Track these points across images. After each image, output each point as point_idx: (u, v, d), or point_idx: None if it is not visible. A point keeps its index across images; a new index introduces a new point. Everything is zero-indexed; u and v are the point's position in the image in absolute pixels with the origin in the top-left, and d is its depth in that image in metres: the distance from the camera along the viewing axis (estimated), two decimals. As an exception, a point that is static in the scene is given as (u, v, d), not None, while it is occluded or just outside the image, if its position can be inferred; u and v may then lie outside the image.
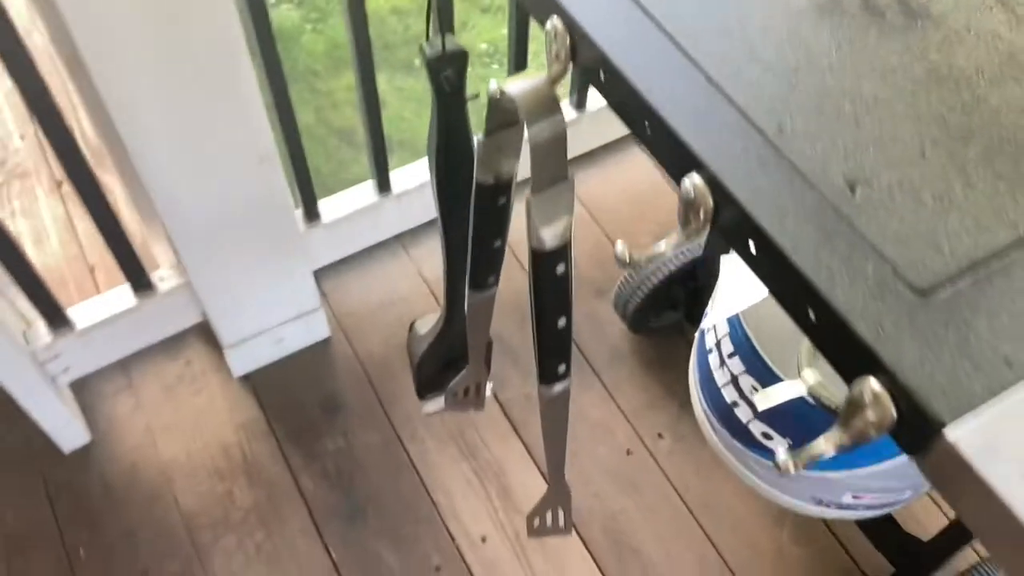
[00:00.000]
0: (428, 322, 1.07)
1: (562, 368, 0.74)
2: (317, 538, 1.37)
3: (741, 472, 1.20)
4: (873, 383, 0.43)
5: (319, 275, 1.55)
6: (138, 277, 1.35)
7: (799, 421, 1.05)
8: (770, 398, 0.92)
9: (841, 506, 1.15)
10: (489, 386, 1.14)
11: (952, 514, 1.23)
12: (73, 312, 1.35)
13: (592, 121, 1.64)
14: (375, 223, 1.53)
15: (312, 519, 1.39)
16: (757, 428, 1.11)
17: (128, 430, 1.46)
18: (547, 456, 0.87)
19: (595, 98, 1.63)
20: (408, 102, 2.03)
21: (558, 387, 0.75)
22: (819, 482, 1.12)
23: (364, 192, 1.49)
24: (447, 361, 1.01)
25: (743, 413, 1.12)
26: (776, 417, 1.08)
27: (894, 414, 0.43)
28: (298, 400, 1.49)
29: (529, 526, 0.96)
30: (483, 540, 1.37)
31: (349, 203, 1.48)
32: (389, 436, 1.46)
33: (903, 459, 1.03)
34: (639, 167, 1.75)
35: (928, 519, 1.33)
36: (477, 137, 0.65)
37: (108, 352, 1.45)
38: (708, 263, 1.39)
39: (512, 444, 1.45)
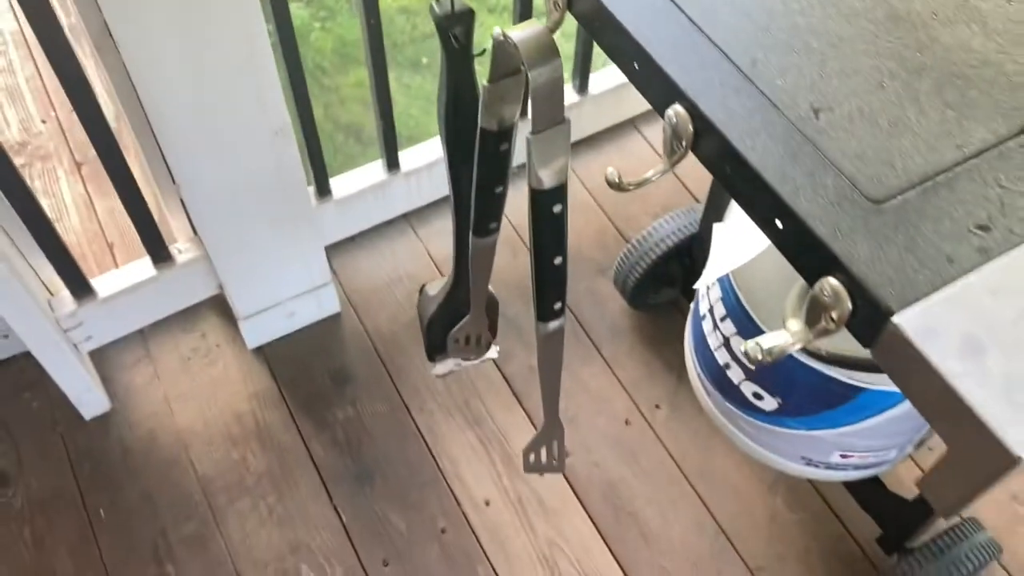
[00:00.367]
0: (438, 284, 1.12)
1: (558, 305, 0.79)
2: (327, 501, 1.43)
3: (734, 434, 1.26)
4: (832, 280, 0.49)
5: (329, 252, 1.61)
6: (158, 249, 1.41)
7: (787, 379, 1.11)
8: (757, 351, 0.97)
9: (830, 466, 1.21)
10: (495, 349, 1.19)
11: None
12: (96, 282, 1.41)
13: (594, 105, 1.69)
14: (384, 201, 1.59)
15: (323, 483, 1.44)
16: (748, 388, 1.17)
17: (146, 399, 1.52)
18: (543, 392, 0.92)
19: (596, 83, 1.69)
20: (416, 99, 2.08)
21: (553, 324, 0.81)
22: (808, 441, 1.17)
23: (374, 170, 1.55)
24: (456, 321, 1.06)
25: (735, 374, 1.18)
26: (765, 376, 1.14)
27: (850, 306, 0.48)
28: (309, 371, 1.55)
29: (525, 461, 1.01)
30: (487, 504, 1.42)
31: (359, 180, 1.54)
32: (397, 406, 1.51)
33: (887, 416, 1.09)
34: (638, 152, 1.80)
35: (911, 481, 1.38)
36: (482, 84, 0.71)
37: (128, 322, 1.51)
38: (703, 241, 1.44)
39: (516, 413, 1.51)
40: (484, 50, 0.76)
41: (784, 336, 0.51)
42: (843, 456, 1.18)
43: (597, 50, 1.67)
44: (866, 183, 0.50)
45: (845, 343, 0.97)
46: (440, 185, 1.63)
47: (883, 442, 1.15)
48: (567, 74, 1.69)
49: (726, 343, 1.16)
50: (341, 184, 1.53)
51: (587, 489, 1.44)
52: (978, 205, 0.49)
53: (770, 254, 1.04)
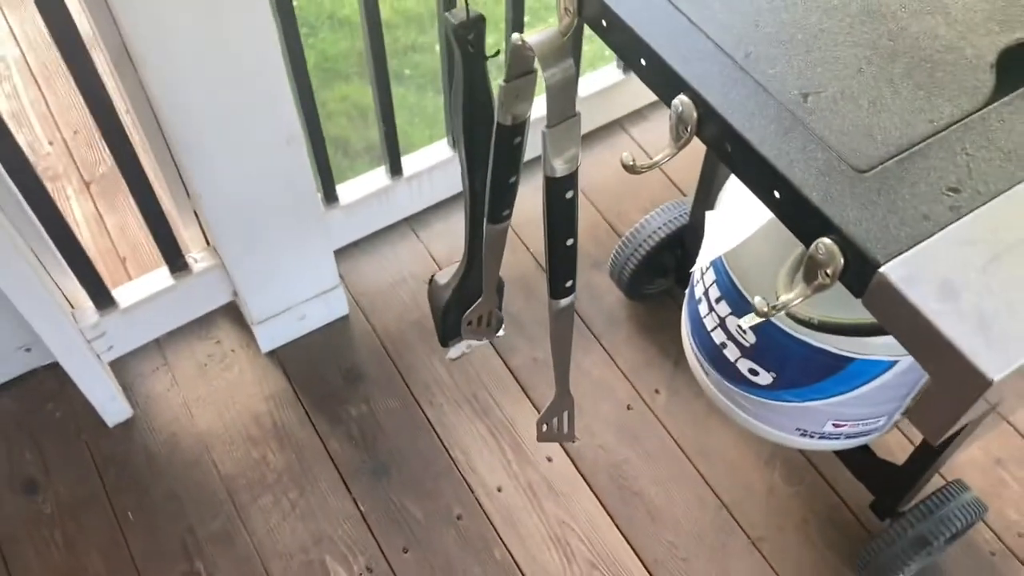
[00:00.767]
0: (448, 272, 1.19)
1: (569, 283, 0.87)
2: (346, 494, 1.49)
3: (732, 411, 1.33)
4: (826, 240, 0.56)
5: (336, 256, 1.67)
6: (175, 258, 1.47)
7: (780, 353, 1.18)
8: (755, 319, 1.05)
9: (823, 436, 1.28)
10: (503, 326, 1.27)
11: (918, 440, 1.36)
12: (117, 293, 1.46)
13: (581, 108, 1.76)
14: (387, 205, 1.66)
15: (341, 477, 1.50)
16: (744, 365, 1.24)
17: (166, 405, 1.58)
18: (554, 365, 0.99)
19: (582, 86, 1.76)
20: (400, 111, 2.15)
21: (564, 301, 0.89)
22: (802, 412, 1.24)
23: (377, 176, 1.62)
24: (468, 305, 1.13)
25: (731, 353, 1.25)
26: (760, 352, 1.21)
27: (842, 262, 0.56)
28: (322, 372, 1.61)
29: (539, 431, 1.08)
30: (499, 490, 1.49)
31: (364, 186, 1.61)
32: (408, 401, 1.58)
33: (875, 384, 1.16)
34: (627, 150, 1.88)
35: (899, 449, 1.46)
36: (498, 83, 0.78)
37: (147, 331, 1.57)
38: (693, 230, 1.52)
39: (523, 404, 1.58)
40: (497, 52, 0.83)
41: (787, 294, 0.59)
42: (836, 425, 1.25)
43: (583, 57, 1.75)
44: (851, 155, 0.58)
45: (834, 311, 1.05)
46: (440, 188, 1.70)
47: (873, 410, 1.23)
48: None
49: (722, 323, 1.24)
50: (347, 190, 1.60)
51: (593, 471, 1.51)
52: (948, 171, 0.57)
53: (759, 238, 1.12)
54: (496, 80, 0.80)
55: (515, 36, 0.72)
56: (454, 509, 1.48)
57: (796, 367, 1.19)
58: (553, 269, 0.86)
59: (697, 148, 1.31)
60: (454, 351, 1.23)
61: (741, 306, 1.18)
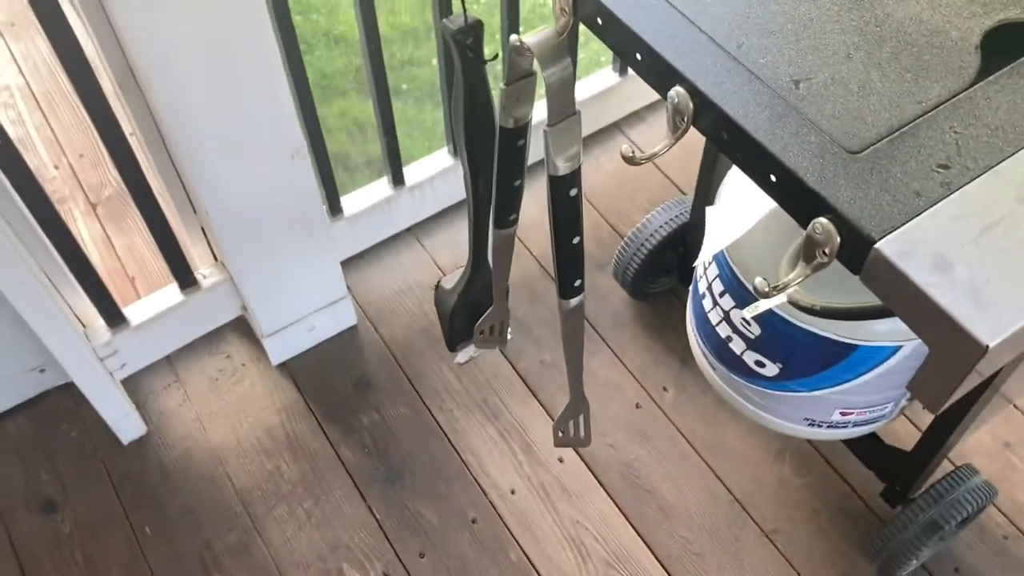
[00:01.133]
0: (453, 278, 1.21)
1: (577, 283, 0.88)
2: (361, 501, 1.50)
3: (740, 404, 1.34)
4: (822, 220, 0.58)
5: (343, 267, 1.69)
6: (184, 275, 1.49)
7: (785, 344, 1.20)
8: (758, 308, 1.06)
9: (831, 425, 1.30)
10: (508, 330, 1.28)
11: (925, 426, 1.37)
12: (128, 311, 1.49)
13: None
14: (391, 215, 1.68)
15: (355, 485, 1.52)
16: (750, 358, 1.26)
17: (179, 420, 1.60)
18: (568, 368, 1.01)
19: (581, 89, 1.79)
20: (399, 124, 2.17)
21: (574, 301, 0.90)
22: (810, 401, 1.26)
23: (380, 186, 1.64)
24: (475, 309, 1.15)
25: (737, 346, 1.27)
26: (765, 344, 1.23)
27: (839, 240, 0.57)
28: (332, 382, 1.63)
29: (555, 437, 1.09)
30: (512, 492, 1.51)
31: (368, 197, 1.63)
32: (418, 407, 1.60)
33: (880, 371, 1.18)
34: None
35: (907, 436, 1.47)
36: (500, 87, 0.80)
37: (158, 347, 1.59)
38: (694, 227, 1.54)
39: (532, 406, 1.59)
40: (496, 55, 0.85)
41: (781, 297, 0.61)
42: (843, 414, 1.27)
43: (579, 62, 1.77)
44: (843, 137, 0.60)
45: (835, 296, 1.06)
46: (442, 196, 1.72)
47: (879, 397, 1.24)
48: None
49: (726, 316, 1.25)
50: (351, 201, 1.62)
51: (605, 471, 1.53)
52: (938, 149, 0.59)
53: (759, 230, 1.13)
54: (496, 84, 0.82)
55: (513, 37, 0.74)
56: (468, 512, 1.49)
57: (802, 356, 1.20)
58: (561, 268, 0.88)
59: (695, 148, 1.33)
60: (461, 356, 1.25)
61: (745, 299, 1.19)
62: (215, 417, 1.60)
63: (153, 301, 1.52)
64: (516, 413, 1.59)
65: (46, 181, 1.90)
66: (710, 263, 1.26)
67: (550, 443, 1.55)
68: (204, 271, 1.54)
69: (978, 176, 0.57)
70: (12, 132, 1.94)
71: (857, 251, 0.56)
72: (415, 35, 2.37)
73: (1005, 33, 0.64)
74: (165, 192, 1.44)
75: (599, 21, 0.69)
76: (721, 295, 1.25)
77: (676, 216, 1.57)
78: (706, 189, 1.40)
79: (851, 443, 1.42)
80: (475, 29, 0.86)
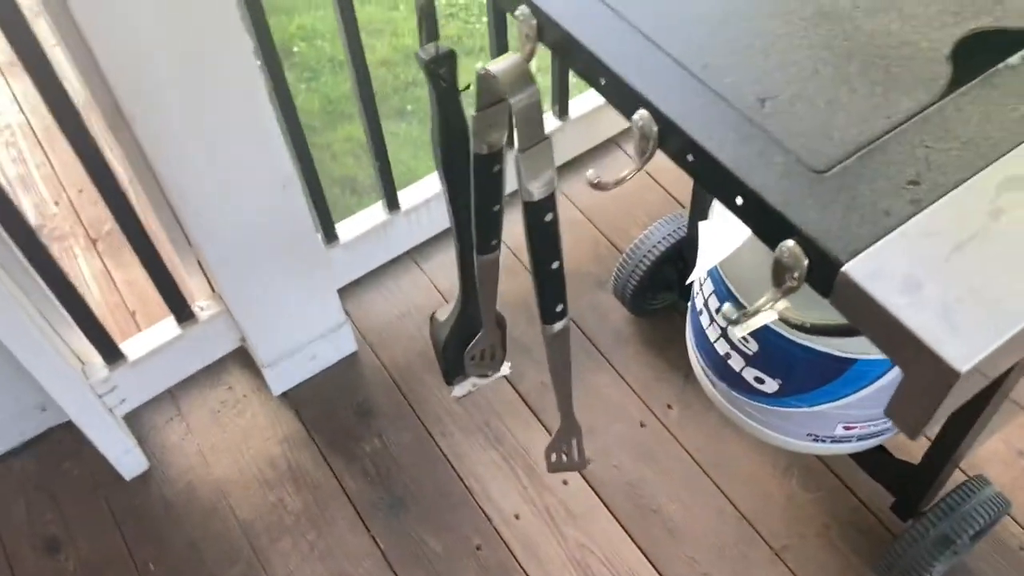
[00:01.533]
0: (447, 309, 1.20)
1: (559, 308, 0.87)
2: (364, 531, 1.49)
3: (742, 421, 1.32)
4: (789, 243, 0.56)
5: (341, 294, 1.69)
6: (180, 308, 1.49)
7: (783, 360, 1.18)
8: (748, 327, 1.04)
9: (835, 439, 1.27)
10: (506, 365, 1.27)
11: (934, 434, 1.34)
12: (125, 346, 1.48)
13: (575, 128, 1.78)
14: (388, 240, 1.67)
15: (358, 514, 1.51)
16: (750, 374, 1.24)
17: (181, 454, 1.59)
18: (556, 393, 0.99)
19: (575, 107, 1.78)
20: (404, 145, 2.18)
21: (558, 325, 0.89)
22: (811, 417, 1.24)
23: (375, 212, 1.64)
24: (469, 341, 1.14)
25: (736, 362, 1.25)
26: (764, 360, 1.21)
27: (806, 263, 0.56)
28: (334, 410, 1.62)
29: (547, 462, 1.08)
30: (517, 517, 1.49)
31: (363, 223, 1.62)
32: (420, 433, 1.58)
33: (880, 384, 1.15)
34: (622, 166, 1.88)
35: (916, 448, 1.44)
36: (470, 114, 0.79)
37: (158, 382, 1.59)
38: (692, 242, 1.52)
39: (534, 428, 1.57)
40: (468, 85, 0.84)
41: (772, 314, 0.59)
42: (846, 428, 1.24)
43: (574, 78, 1.76)
44: (809, 156, 0.58)
45: (828, 313, 1.04)
46: (439, 219, 1.72)
47: (881, 410, 1.22)
48: (548, 102, 1.79)
49: (724, 333, 1.23)
50: (346, 228, 1.62)
51: (610, 492, 1.50)
52: (908, 164, 0.57)
53: (752, 245, 1.11)
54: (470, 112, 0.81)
55: (479, 66, 0.73)
56: (473, 540, 1.47)
57: (801, 372, 1.18)
58: (541, 294, 0.87)
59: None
60: (459, 389, 1.23)
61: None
62: (217, 450, 1.59)
63: (151, 336, 1.52)
64: (519, 436, 1.57)
65: (47, 218, 1.91)
66: (705, 279, 1.25)
67: (550, 473, 1.53)
68: (201, 303, 1.53)
69: (949, 191, 0.56)
70: (13, 171, 1.96)
71: (825, 274, 0.55)
72: (418, 57, 2.38)
73: (977, 42, 0.63)
74: (159, 226, 1.44)
75: (563, 47, 0.68)
76: (717, 311, 1.23)
77: (674, 231, 1.56)
78: (701, 203, 1.38)
79: (858, 456, 1.39)
80: (447, 59, 0.85)
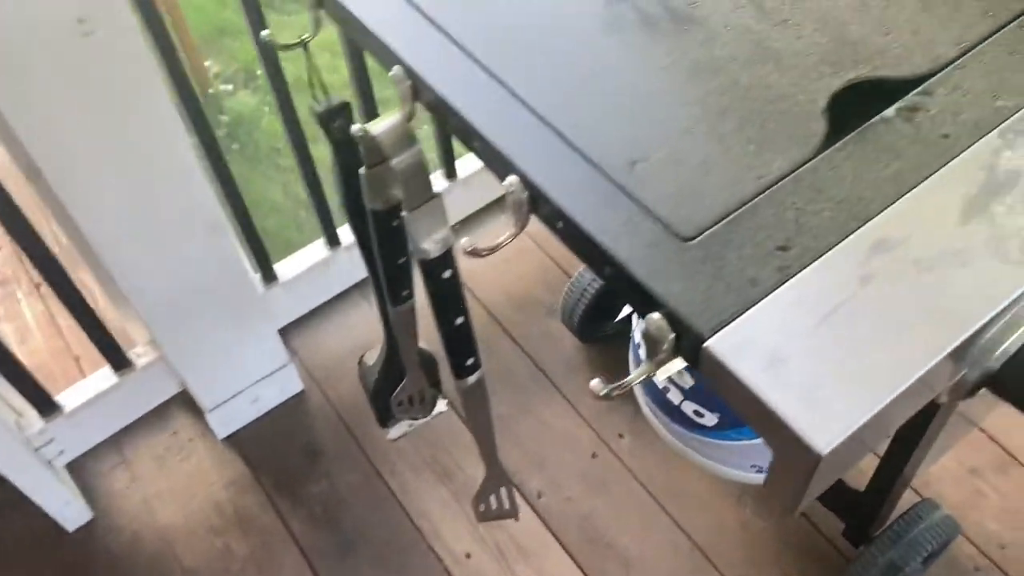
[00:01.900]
0: (375, 353, 1.17)
1: (470, 362, 0.85)
2: (313, 576, 1.46)
3: (688, 453, 1.30)
4: (655, 316, 0.54)
5: (286, 332, 1.66)
6: (116, 356, 1.46)
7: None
8: (669, 369, 1.02)
9: (780, 470, 1.25)
10: (442, 403, 1.24)
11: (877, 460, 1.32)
12: (61, 397, 1.45)
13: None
14: (330, 276, 1.65)
15: (306, 560, 1.48)
16: (689, 407, 1.22)
17: (126, 502, 1.56)
18: (478, 445, 0.97)
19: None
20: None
21: (471, 379, 0.86)
22: (753, 449, 1.22)
23: (316, 249, 1.61)
24: (399, 382, 1.12)
25: (674, 396, 1.23)
26: (700, 394, 1.19)
27: (672, 336, 0.53)
28: (281, 452, 1.59)
29: (476, 512, 1.05)
30: (468, 556, 1.46)
31: (303, 261, 1.60)
32: (369, 473, 1.56)
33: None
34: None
35: (865, 471, 1.42)
36: (361, 172, 0.77)
37: (99, 431, 1.56)
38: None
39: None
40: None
41: (632, 374, 0.57)
42: (790, 459, 1.22)
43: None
44: (678, 223, 0.56)
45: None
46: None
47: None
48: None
49: (660, 368, 1.21)
50: (286, 267, 1.59)
51: (563, 526, 1.48)
52: (778, 228, 0.55)
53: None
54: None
55: (355, 128, 0.70)
56: (423, 581, 1.45)
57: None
58: (450, 350, 0.85)
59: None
60: (394, 431, 1.21)
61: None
62: (163, 497, 1.56)
63: (87, 386, 1.49)
64: (468, 471, 1.54)
65: (-11, 263, 1.87)
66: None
67: (480, 523, 1.50)
68: (140, 349, 1.50)
69: (819, 256, 0.53)
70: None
71: (691, 348, 0.52)
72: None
73: (854, 94, 0.61)
74: (91, 274, 1.41)
75: (437, 108, 0.66)
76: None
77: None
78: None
79: (807, 484, 1.37)
80: (341, 111, 0.83)
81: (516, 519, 1.11)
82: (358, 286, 1.75)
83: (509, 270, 1.79)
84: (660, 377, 0.51)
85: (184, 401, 1.64)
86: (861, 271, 0.53)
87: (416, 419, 1.19)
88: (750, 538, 1.45)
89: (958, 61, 0.62)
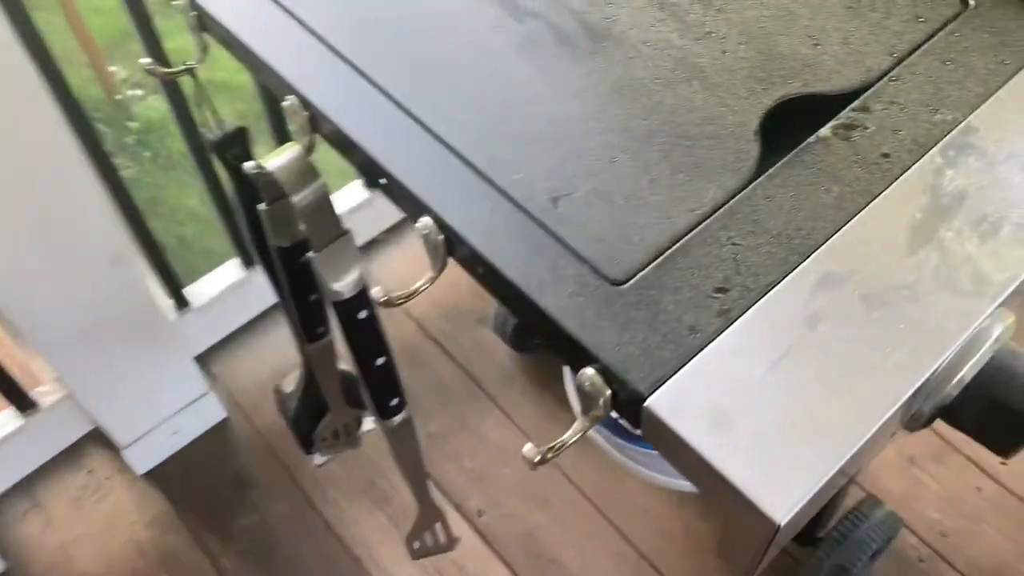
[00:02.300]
0: (292, 379, 1.11)
1: (394, 402, 0.79)
2: (246, 616, 1.39)
3: (626, 464, 1.27)
4: (589, 371, 0.49)
5: (204, 359, 1.58)
6: (18, 398, 1.36)
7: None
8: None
9: (723, 476, 1.22)
10: (370, 419, 1.18)
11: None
12: (-40, 445, 1.35)
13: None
14: (248, 298, 1.57)
15: (238, 598, 1.41)
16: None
17: (42, 550, 1.46)
18: (408, 482, 0.92)
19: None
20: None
21: (397, 419, 0.81)
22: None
23: (230, 270, 1.53)
24: (320, 409, 1.06)
25: (612, 409, 1.19)
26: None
27: (608, 392, 0.49)
28: (206, 485, 1.51)
29: (410, 550, 1.00)
30: (408, 582, 1.41)
31: (217, 283, 1.51)
32: (300, 502, 1.49)
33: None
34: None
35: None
36: (260, 208, 0.70)
37: (6, 476, 1.46)
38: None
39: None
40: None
41: (566, 434, 0.52)
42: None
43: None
44: (607, 265, 0.51)
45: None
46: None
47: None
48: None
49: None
50: (199, 291, 1.51)
51: (505, 544, 1.43)
52: (715, 267, 0.51)
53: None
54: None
55: (249, 164, 0.64)
56: (363, 611, 1.39)
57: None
58: (372, 392, 0.79)
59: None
60: (318, 458, 1.15)
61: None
62: (81, 542, 1.47)
63: (-11, 430, 1.39)
64: (406, 495, 1.47)
65: None
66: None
67: (415, 560, 1.45)
68: (44, 388, 1.41)
69: (761, 297, 0.49)
70: None
71: (630, 406, 0.48)
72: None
73: (787, 112, 0.57)
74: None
75: (339, 142, 0.60)
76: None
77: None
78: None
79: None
80: (238, 138, 0.76)
81: (453, 549, 1.06)
82: (279, 305, 1.67)
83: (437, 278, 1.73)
84: (578, 433, 0.47)
85: (99, 437, 1.55)
86: (806, 311, 0.49)
87: (341, 452, 1.13)
88: (695, 543, 1.42)
89: (892, 72, 0.58)
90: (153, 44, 1.15)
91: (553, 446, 0.52)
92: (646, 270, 0.51)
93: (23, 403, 1.38)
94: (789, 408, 0.46)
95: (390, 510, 1.47)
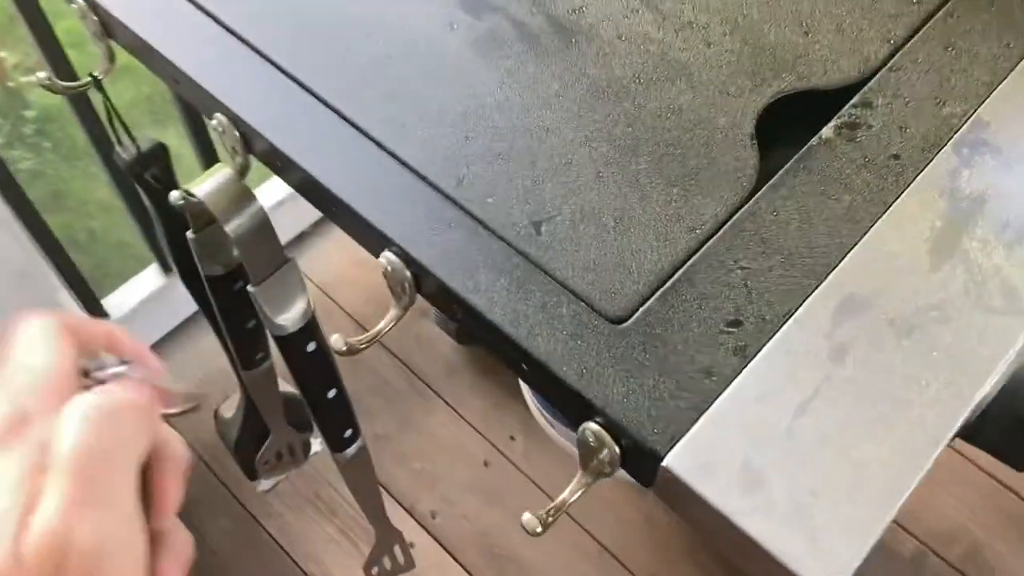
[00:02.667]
0: (232, 404, 1.03)
1: (348, 433, 0.72)
2: (192, 644, 1.31)
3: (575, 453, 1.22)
4: (593, 426, 0.43)
5: (128, 373, 1.48)
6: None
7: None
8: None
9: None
10: (316, 441, 1.11)
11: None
12: None
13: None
14: (171, 305, 1.46)
15: (182, 626, 1.32)
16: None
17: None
18: (364, 509, 0.86)
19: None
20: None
21: (351, 450, 0.74)
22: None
23: (148, 277, 1.42)
24: (263, 433, 0.98)
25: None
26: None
27: (617, 450, 0.43)
28: (138, 508, 1.42)
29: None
30: (363, 594, 1.34)
31: (136, 292, 1.41)
32: (243, 518, 1.40)
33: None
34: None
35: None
36: (188, 235, 0.62)
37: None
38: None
39: (369, 489, 1.42)
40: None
41: (563, 494, 0.46)
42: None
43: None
44: (603, 300, 0.45)
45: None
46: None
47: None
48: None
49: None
50: (116, 302, 1.40)
51: (460, 546, 1.38)
52: (724, 296, 0.45)
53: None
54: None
55: (175, 195, 0.56)
56: (318, 629, 1.32)
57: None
58: (324, 424, 0.72)
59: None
60: (265, 483, 1.07)
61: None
62: None
63: None
64: (354, 503, 1.41)
65: None
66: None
67: (397, 526, 1.39)
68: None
69: (778, 329, 0.44)
70: None
71: (644, 466, 0.42)
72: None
73: (783, 110, 0.51)
74: None
75: (278, 164, 0.52)
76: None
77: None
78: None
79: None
80: (155, 156, 0.67)
81: (414, 567, 1.00)
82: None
83: (372, 270, 1.65)
84: (572, 497, 0.42)
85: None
86: (831, 342, 0.43)
87: (287, 472, 1.05)
88: (659, 534, 1.39)
89: (891, 62, 0.53)
90: (43, 29, 1.04)
91: (552, 508, 0.46)
92: (648, 303, 0.45)
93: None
94: (824, 459, 0.40)
95: (339, 521, 1.40)
